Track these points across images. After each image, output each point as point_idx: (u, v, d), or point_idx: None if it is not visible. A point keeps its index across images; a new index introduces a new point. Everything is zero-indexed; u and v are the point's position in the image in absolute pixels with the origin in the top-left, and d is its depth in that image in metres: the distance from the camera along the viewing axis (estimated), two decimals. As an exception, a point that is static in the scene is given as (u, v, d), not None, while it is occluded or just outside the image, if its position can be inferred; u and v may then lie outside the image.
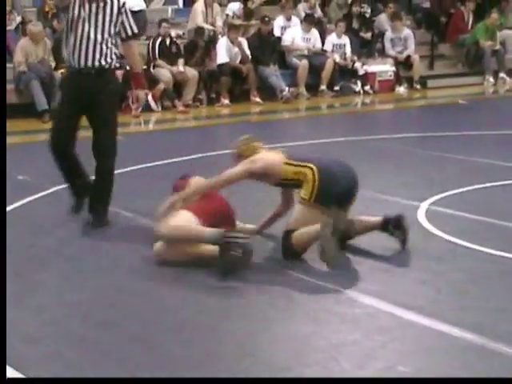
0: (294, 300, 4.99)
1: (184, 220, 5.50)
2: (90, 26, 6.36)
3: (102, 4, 6.38)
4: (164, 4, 15.91)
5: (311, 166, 5.79)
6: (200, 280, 5.32)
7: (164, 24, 13.70)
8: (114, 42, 6.50)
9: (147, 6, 15.05)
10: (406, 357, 4.18)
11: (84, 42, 6.36)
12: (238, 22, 14.59)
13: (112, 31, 6.45)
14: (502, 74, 16.31)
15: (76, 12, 6.35)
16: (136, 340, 4.36)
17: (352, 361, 4.14)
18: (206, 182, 5.93)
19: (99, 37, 6.37)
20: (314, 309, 4.83)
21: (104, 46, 6.41)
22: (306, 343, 4.37)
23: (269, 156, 5.99)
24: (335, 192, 5.74)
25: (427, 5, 17.64)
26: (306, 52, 14.65)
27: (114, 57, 6.52)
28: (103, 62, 6.43)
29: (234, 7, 15.23)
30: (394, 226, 5.85)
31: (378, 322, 4.62)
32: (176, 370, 3.99)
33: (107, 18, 6.42)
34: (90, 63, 6.40)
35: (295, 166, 5.84)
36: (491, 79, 16.06)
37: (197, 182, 5.97)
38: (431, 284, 5.22)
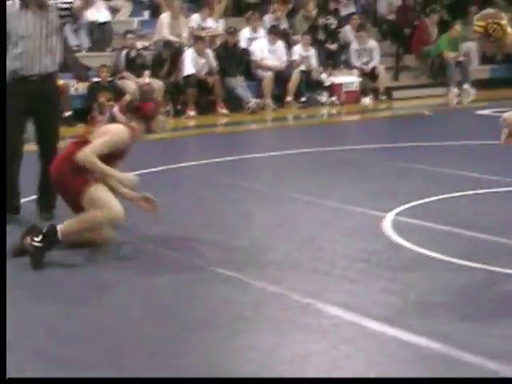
0: (261, 311, 4.99)
1: None
2: (36, 36, 6.60)
3: (45, 15, 6.64)
4: (130, 16, 15.86)
5: None
6: (166, 291, 5.32)
7: (130, 35, 13.70)
8: (56, 50, 6.79)
9: (113, 18, 15.03)
10: (372, 366, 4.18)
11: (30, 50, 6.63)
12: (203, 33, 14.57)
13: (55, 41, 6.73)
14: (465, 85, 16.46)
15: (22, 22, 6.60)
16: (104, 353, 4.33)
17: (318, 371, 4.13)
18: None
19: (44, 46, 6.63)
20: (280, 320, 4.82)
21: (49, 55, 6.70)
22: (272, 354, 4.35)
23: None
24: None
25: (392, 17, 17.74)
26: (273, 66, 14.71)
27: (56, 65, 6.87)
28: (50, 69, 6.73)
29: (198, 19, 15.23)
30: None
31: (344, 333, 4.63)
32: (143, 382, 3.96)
33: (51, 29, 6.68)
34: (37, 70, 6.67)
35: None
36: (455, 90, 16.18)
37: None
38: (397, 294, 5.22)
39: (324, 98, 15.01)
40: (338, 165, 9.60)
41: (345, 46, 16.18)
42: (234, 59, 14.48)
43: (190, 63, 13.79)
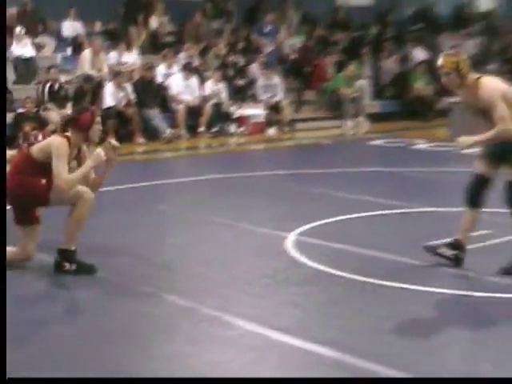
0: (172, 323, 4.95)
1: None
2: None
3: None
4: (54, 51, 15.70)
5: None
6: (84, 305, 5.26)
7: (53, 70, 13.61)
8: None
9: (38, 53, 14.87)
10: (273, 372, 4.17)
11: None
12: (122, 68, 14.51)
13: None
14: (359, 118, 16.72)
15: None
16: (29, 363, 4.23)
17: (222, 377, 4.12)
18: None
19: None
20: (190, 331, 4.79)
21: None
22: (182, 363, 4.32)
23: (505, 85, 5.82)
24: None
25: (294, 56, 17.96)
26: (188, 101, 14.72)
27: None
28: None
29: (117, 55, 15.14)
30: None
31: (249, 342, 4.62)
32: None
33: None
34: None
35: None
36: (350, 122, 16.41)
37: None
38: (298, 306, 5.25)
39: (233, 128, 15.08)
40: (246, 190, 9.62)
41: (252, 82, 16.30)
42: (150, 93, 14.44)
43: (109, 96, 13.74)
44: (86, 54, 14.51)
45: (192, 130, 14.74)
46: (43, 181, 5.92)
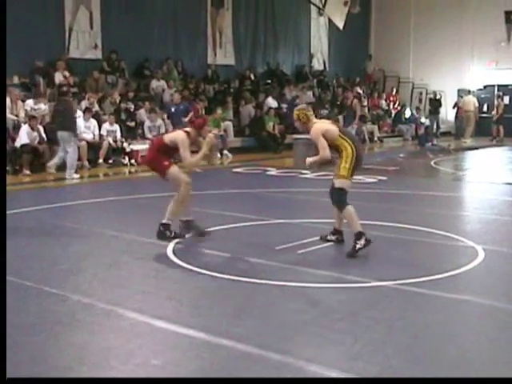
0: (76, 318, 4.82)
1: None
2: None
3: None
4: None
5: (350, 142, 6.60)
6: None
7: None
8: None
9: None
10: (157, 353, 4.17)
11: None
12: (35, 113, 14.07)
13: None
14: (225, 152, 16.85)
15: None
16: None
17: (118, 359, 4.07)
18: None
19: None
20: (90, 323, 4.70)
21: None
22: (83, 349, 4.24)
23: (327, 125, 6.79)
24: (359, 165, 6.71)
25: (175, 107, 17.92)
26: (88, 138, 14.45)
27: None
28: None
29: (31, 103, 14.66)
30: None
31: (137, 330, 4.58)
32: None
33: None
34: None
35: (342, 138, 6.62)
36: (218, 154, 16.45)
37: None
38: (176, 299, 5.24)
39: (125, 160, 14.88)
40: (136, 208, 9.53)
41: (140, 123, 16.16)
42: (59, 132, 14.06)
43: (25, 135, 13.31)
44: (6, 101, 14.00)
45: (93, 161, 14.48)
46: (166, 162, 7.06)
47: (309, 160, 6.78)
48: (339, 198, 6.64)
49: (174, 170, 7.09)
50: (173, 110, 17.13)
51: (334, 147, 6.63)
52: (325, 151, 6.58)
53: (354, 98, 17.11)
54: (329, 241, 7.00)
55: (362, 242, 6.47)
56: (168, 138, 7.14)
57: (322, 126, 6.68)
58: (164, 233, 7.05)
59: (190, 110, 17.08)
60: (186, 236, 7.19)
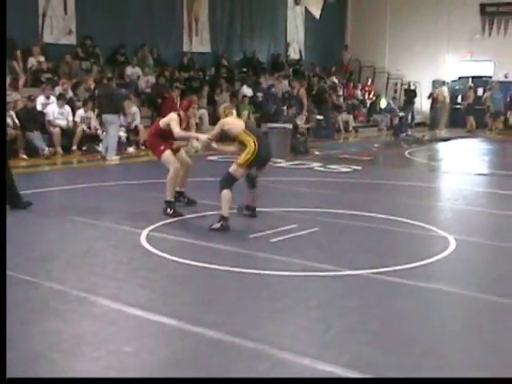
0: (49, 305, 4.80)
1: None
2: None
3: None
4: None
5: (254, 139, 7.32)
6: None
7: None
8: None
9: None
10: (130, 340, 4.17)
11: None
12: (9, 99, 13.87)
13: None
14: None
15: None
16: None
17: (91, 346, 4.06)
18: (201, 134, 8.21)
19: None
20: (63, 310, 4.68)
21: None
22: (56, 335, 4.22)
23: (235, 121, 7.78)
24: (260, 160, 7.42)
25: (148, 90, 17.82)
26: (62, 124, 14.31)
27: None
28: None
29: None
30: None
31: (110, 317, 4.57)
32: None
33: None
34: None
35: (247, 134, 7.39)
36: (195, 143, 16.34)
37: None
38: (149, 287, 5.23)
39: (100, 147, 14.72)
40: (110, 195, 9.48)
41: (115, 110, 15.99)
42: (32, 118, 13.90)
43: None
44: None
45: (66, 148, 14.35)
46: (162, 147, 7.99)
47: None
48: (225, 181, 7.31)
49: (167, 154, 7.97)
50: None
51: (239, 141, 7.48)
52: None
53: (301, 88, 16.91)
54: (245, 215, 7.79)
55: (219, 225, 7.04)
56: (162, 121, 8.03)
57: (227, 121, 7.68)
58: (165, 209, 7.83)
59: (163, 97, 17.02)
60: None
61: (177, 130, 7.85)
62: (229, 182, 7.30)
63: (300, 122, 16.31)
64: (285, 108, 17.60)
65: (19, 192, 8.26)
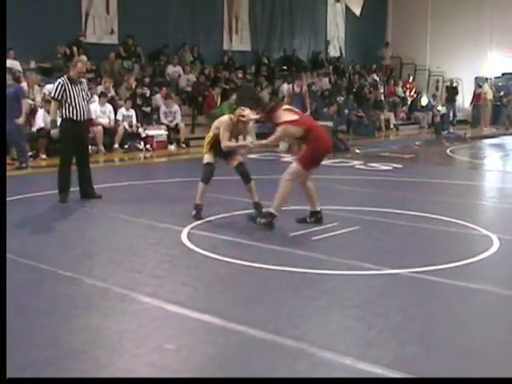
0: (90, 301, 4.86)
1: None
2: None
3: None
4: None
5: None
6: (19, 288, 5.06)
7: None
8: None
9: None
10: (171, 338, 4.17)
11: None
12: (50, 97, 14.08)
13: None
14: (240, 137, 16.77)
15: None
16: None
17: (132, 342, 4.08)
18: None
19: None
20: (104, 307, 4.72)
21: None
22: (98, 332, 4.26)
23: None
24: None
25: (189, 89, 17.90)
26: (104, 123, 14.47)
27: None
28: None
29: (50, 87, 14.66)
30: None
31: (151, 314, 4.59)
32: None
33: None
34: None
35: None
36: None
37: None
38: (191, 285, 5.25)
39: (141, 145, 14.90)
40: (150, 193, 9.54)
41: (156, 109, 16.13)
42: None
43: (40, 119, 13.34)
44: (24, 86, 14.01)
45: (108, 146, 14.50)
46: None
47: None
48: (204, 173, 7.62)
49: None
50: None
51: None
52: (244, 143, 7.84)
53: (303, 85, 16.64)
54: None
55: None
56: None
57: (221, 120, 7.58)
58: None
59: (204, 96, 17.06)
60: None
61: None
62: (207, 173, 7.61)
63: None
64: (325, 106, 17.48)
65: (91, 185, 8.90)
